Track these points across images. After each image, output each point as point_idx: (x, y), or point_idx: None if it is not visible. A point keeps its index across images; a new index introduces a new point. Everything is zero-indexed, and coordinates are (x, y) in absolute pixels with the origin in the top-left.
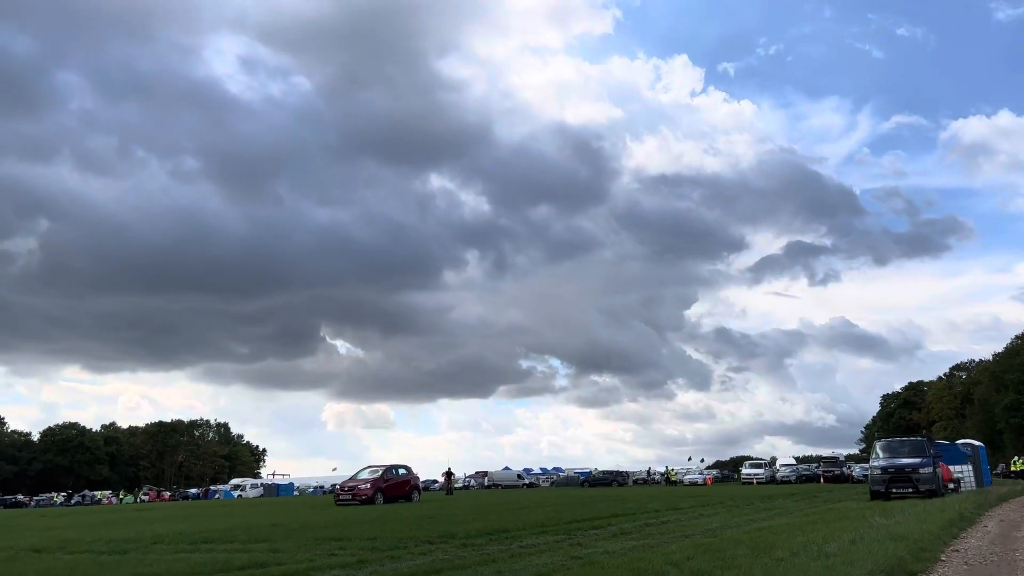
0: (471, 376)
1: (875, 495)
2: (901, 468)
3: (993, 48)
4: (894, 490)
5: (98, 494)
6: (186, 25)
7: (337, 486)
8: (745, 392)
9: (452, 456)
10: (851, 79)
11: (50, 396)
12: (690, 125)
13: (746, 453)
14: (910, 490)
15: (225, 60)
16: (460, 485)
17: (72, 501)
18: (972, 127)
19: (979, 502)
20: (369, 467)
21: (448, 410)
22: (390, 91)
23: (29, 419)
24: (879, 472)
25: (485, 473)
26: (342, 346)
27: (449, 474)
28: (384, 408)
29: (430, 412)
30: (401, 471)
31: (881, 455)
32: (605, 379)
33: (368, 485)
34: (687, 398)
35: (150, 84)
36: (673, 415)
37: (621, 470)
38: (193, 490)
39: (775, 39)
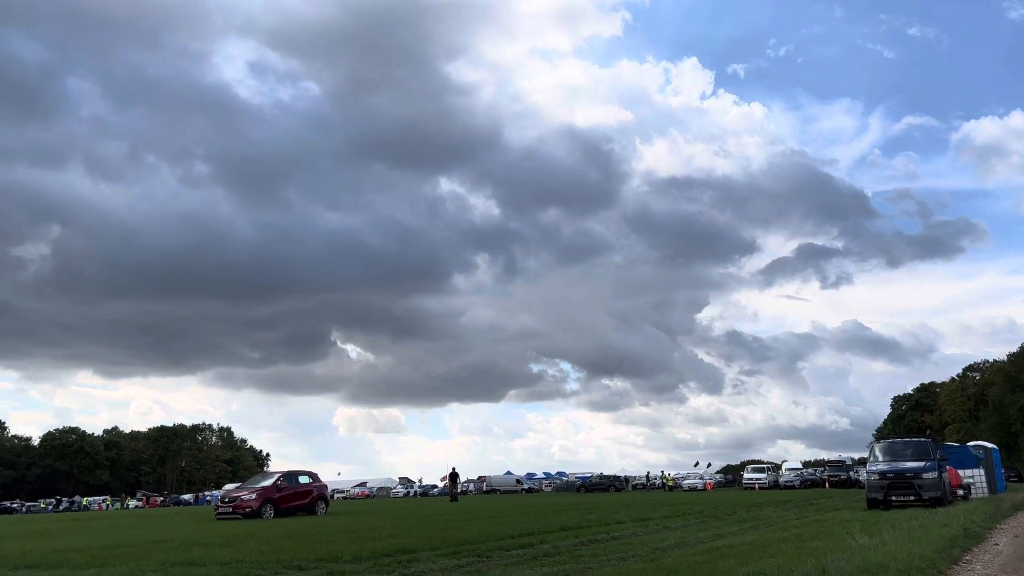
0: (482, 380)
1: (872, 504)
2: (902, 473)
3: (1006, 48)
4: (894, 498)
5: (84, 500)
6: (195, 31)
7: (217, 497)
8: (757, 396)
9: (463, 459)
10: (862, 80)
11: (63, 401)
12: (700, 128)
13: (759, 457)
14: (912, 498)
15: (234, 65)
16: (460, 490)
17: (61, 507)
18: (984, 128)
19: (990, 512)
20: (264, 473)
21: (459, 414)
22: (399, 95)
23: (44, 424)
24: (877, 477)
25: (483, 478)
26: (352, 350)
27: (454, 476)
28: (395, 412)
29: (441, 416)
30: (303, 478)
31: (880, 458)
32: (616, 383)
33: (253, 496)
34: (699, 402)
35: (160, 90)
36: (685, 419)
37: (619, 475)
38: (187, 496)
39: (785, 40)
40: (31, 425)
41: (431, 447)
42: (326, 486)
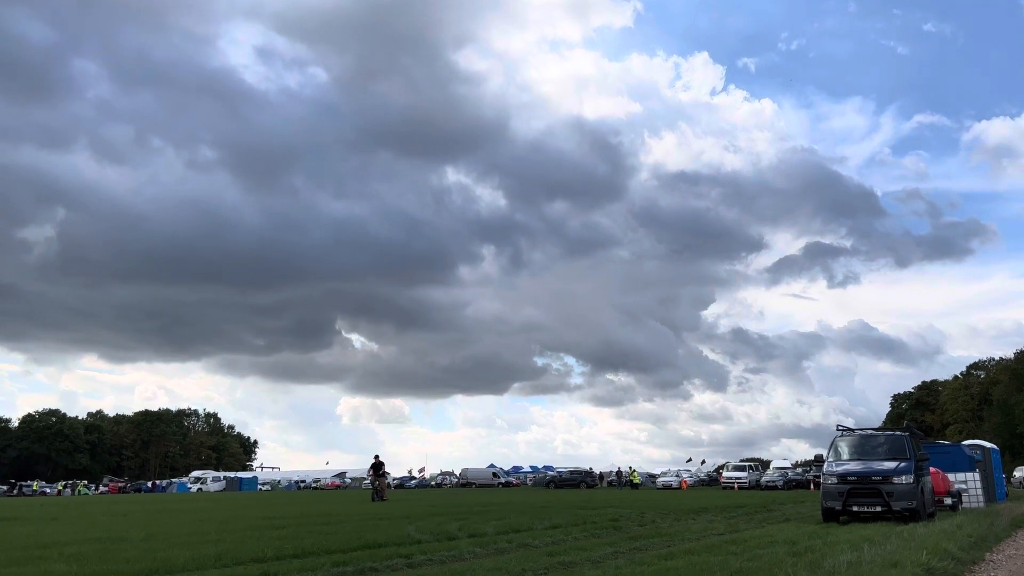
0: (486, 373)
1: (828, 515)
2: (866, 476)
3: (1022, 46)
4: (855, 508)
5: (34, 484)
6: (202, 14)
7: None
8: (762, 394)
9: (466, 451)
10: (875, 76)
11: (68, 385)
12: (709, 123)
13: (762, 455)
14: (879, 508)
15: (241, 50)
16: (435, 483)
17: (15, 492)
18: (996, 129)
19: (979, 533)
20: None
21: (463, 406)
22: (406, 84)
23: (49, 407)
24: (835, 481)
25: (465, 471)
26: (357, 340)
27: (377, 467)
28: (399, 403)
29: (445, 408)
30: None
31: (844, 455)
32: (620, 378)
33: None
34: (703, 399)
35: (166, 73)
36: (689, 416)
37: (592, 470)
38: (151, 483)
39: (797, 34)
40: (37, 408)
41: (435, 438)
42: None
